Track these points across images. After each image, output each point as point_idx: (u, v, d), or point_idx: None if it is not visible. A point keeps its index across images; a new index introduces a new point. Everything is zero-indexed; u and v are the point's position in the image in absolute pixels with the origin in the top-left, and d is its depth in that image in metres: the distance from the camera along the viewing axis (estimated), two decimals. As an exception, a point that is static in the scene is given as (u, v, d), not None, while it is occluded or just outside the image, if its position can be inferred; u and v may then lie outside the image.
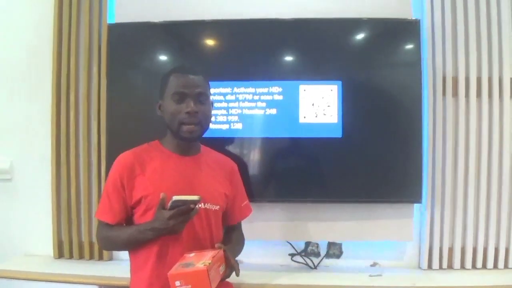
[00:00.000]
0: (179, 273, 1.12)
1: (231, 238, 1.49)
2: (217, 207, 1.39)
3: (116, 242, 1.34)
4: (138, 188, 1.32)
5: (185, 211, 1.20)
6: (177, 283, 1.10)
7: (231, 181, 1.48)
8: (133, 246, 1.33)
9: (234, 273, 1.28)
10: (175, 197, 1.18)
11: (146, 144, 1.42)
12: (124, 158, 1.36)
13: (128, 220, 1.36)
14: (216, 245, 1.29)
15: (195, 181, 1.36)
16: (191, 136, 1.34)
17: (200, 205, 1.31)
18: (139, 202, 1.32)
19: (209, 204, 1.36)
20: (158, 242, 1.29)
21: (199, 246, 1.31)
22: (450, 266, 1.94)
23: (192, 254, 1.23)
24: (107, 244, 1.41)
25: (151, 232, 1.25)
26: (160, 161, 1.36)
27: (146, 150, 1.39)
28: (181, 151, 1.39)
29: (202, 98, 1.35)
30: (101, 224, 1.36)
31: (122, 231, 1.32)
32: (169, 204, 1.20)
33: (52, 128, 2.00)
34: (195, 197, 1.19)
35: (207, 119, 1.38)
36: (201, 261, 1.14)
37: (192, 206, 1.20)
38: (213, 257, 1.18)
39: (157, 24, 1.89)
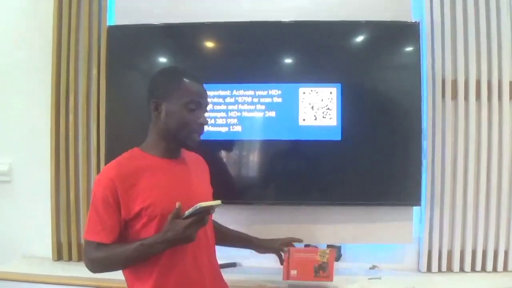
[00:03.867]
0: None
1: (228, 229, 1.56)
2: None
3: (117, 261, 1.22)
4: (135, 200, 1.21)
5: (202, 218, 1.16)
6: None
7: (208, 177, 1.48)
8: (138, 262, 1.23)
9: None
10: (201, 204, 1.12)
11: (127, 153, 1.30)
12: (110, 171, 1.22)
13: (120, 236, 1.23)
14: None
15: (190, 183, 1.33)
16: (195, 145, 1.32)
17: None
18: (138, 214, 1.23)
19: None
20: (166, 252, 1.21)
21: (199, 248, 1.27)
22: (449, 269, 1.94)
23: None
24: (101, 266, 1.24)
25: (162, 245, 1.16)
26: (151, 169, 1.27)
27: (131, 159, 1.28)
28: (169, 155, 1.31)
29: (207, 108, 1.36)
30: (92, 245, 1.21)
31: (123, 249, 1.20)
32: (190, 212, 1.14)
33: (52, 130, 2.00)
34: (218, 202, 1.15)
35: None
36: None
37: (211, 211, 1.18)
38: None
39: (157, 27, 1.89)
